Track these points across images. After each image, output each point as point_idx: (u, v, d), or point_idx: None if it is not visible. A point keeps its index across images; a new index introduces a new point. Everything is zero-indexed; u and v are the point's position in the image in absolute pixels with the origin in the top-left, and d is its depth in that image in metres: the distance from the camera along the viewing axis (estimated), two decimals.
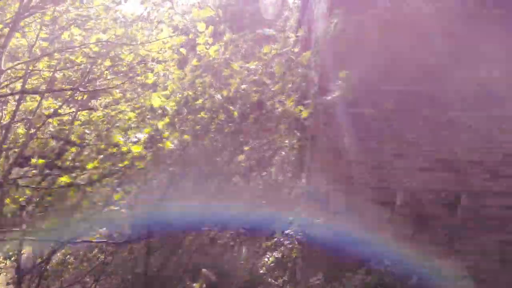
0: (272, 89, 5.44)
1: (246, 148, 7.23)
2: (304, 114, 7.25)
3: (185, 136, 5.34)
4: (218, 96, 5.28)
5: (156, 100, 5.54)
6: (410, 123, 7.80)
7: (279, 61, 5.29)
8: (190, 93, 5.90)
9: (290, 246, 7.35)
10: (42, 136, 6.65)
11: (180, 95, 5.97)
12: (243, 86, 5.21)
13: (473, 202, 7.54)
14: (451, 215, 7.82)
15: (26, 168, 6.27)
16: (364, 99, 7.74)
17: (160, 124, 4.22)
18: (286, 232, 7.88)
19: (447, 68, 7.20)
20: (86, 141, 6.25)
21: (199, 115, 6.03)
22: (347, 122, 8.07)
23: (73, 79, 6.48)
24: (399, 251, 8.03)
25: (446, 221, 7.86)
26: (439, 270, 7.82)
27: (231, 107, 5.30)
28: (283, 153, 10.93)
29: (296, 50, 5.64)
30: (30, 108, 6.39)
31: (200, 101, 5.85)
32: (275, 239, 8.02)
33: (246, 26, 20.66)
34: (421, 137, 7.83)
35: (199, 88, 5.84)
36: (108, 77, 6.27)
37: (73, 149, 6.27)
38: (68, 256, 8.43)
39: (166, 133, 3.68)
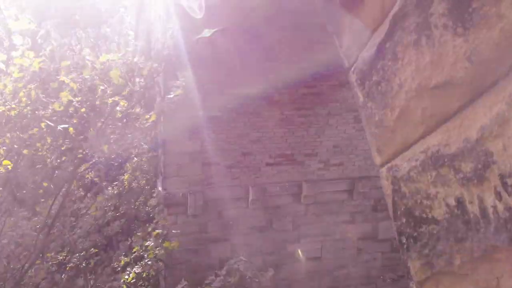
0: (111, 98, 5.00)
1: (85, 165, 6.54)
2: (153, 117, 6.95)
3: (5, 162, 4.47)
4: (49, 111, 4.60)
5: None
6: (253, 123, 8.24)
7: (117, 69, 4.89)
8: (14, 105, 5.01)
9: (150, 259, 7.06)
10: None
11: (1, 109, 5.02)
12: (77, 98, 4.65)
13: (312, 189, 8.38)
14: (295, 204, 8.62)
15: None
16: (210, 102, 7.86)
17: None
18: (146, 244, 7.55)
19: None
20: None
21: (25, 135, 5.16)
22: (197, 124, 8.10)
23: None
24: (256, 244, 8.53)
25: (292, 209, 8.64)
26: (292, 255, 8.58)
27: (63, 125, 4.69)
28: (135, 158, 10.42)
29: (136, 59, 5.32)
30: None
31: (27, 110, 4.94)
32: (135, 253, 7.59)
33: (80, 24, 18.92)
34: (264, 136, 8.37)
35: (23, 100, 4.98)
36: None
37: None
38: None
39: None
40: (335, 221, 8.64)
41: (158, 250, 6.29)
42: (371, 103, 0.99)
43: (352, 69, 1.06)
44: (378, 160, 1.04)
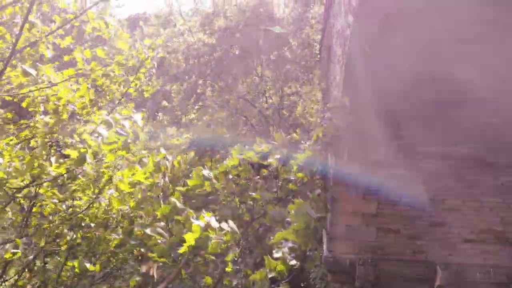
0: None
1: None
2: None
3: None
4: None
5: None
6: (452, 188, 6.50)
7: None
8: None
9: None
10: None
11: None
12: None
13: None
14: None
15: None
16: (396, 159, 6.48)
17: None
18: None
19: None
20: None
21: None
22: (375, 182, 6.81)
23: None
24: None
25: None
26: None
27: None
28: None
29: None
30: None
31: None
32: None
33: (262, 49, 19.39)
34: (465, 205, 6.56)
35: None
36: None
37: None
38: None
39: None
40: None
41: None
42: None
43: None
44: None
